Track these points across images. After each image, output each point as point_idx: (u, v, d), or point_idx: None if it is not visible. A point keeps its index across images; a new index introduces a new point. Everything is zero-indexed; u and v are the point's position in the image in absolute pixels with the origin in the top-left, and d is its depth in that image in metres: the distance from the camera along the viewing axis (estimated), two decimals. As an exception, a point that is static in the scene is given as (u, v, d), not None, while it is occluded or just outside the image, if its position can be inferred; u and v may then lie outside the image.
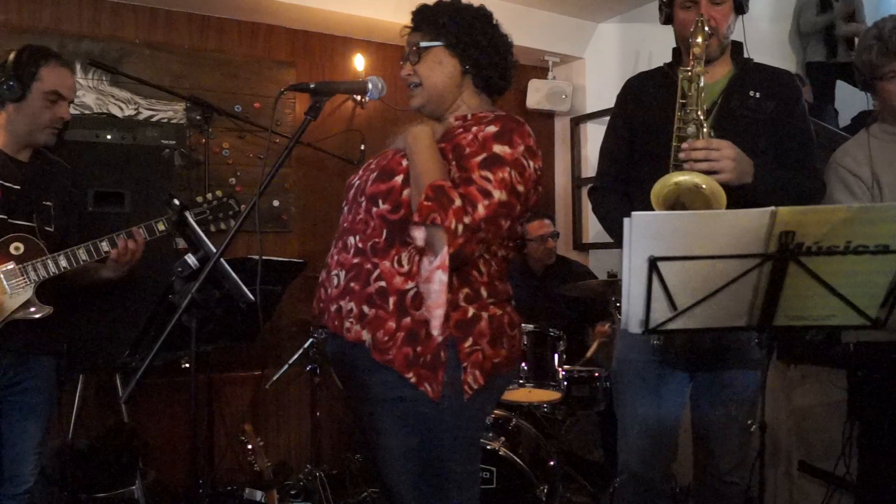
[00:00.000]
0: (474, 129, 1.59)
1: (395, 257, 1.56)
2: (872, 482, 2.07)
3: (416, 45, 1.68)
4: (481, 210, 1.48)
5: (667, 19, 2.07)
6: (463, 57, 1.68)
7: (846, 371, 2.19)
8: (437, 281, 1.48)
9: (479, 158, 1.52)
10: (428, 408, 1.53)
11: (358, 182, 1.71)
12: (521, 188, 1.54)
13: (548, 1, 4.18)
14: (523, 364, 2.99)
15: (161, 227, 2.27)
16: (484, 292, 1.60)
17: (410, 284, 1.54)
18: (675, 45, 2.13)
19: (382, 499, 1.73)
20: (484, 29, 1.70)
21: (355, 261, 1.61)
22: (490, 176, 1.51)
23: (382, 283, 1.55)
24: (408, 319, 1.53)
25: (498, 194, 1.50)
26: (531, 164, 1.57)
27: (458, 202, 1.46)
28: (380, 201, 1.59)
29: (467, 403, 1.55)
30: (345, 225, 1.70)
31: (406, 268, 1.55)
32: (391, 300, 1.54)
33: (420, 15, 1.71)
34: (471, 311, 1.57)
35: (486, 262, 1.62)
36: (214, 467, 3.29)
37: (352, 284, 1.59)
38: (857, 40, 5.45)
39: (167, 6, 3.55)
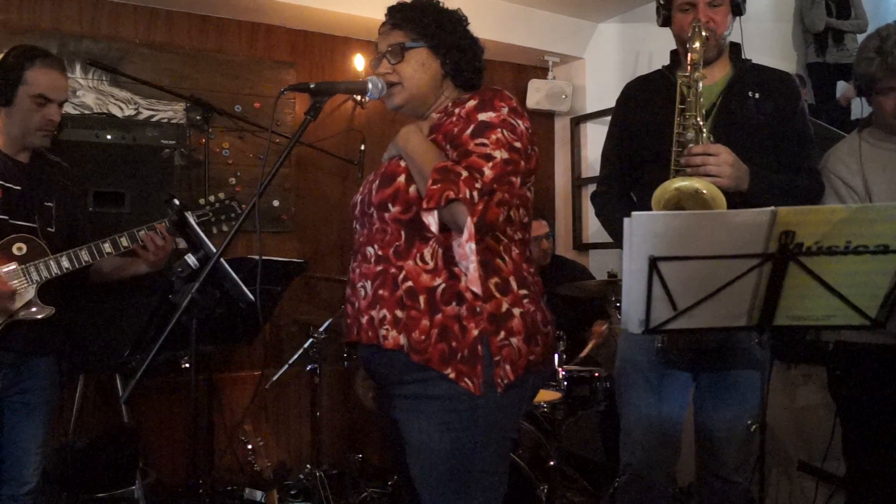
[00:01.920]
0: (457, 110, 1.62)
1: (418, 255, 1.56)
2: (860, 481, 2.07)
3: (400, 45, 1.68)
4: (488, 172, 1.48)
5: (664, 21, 2.07)
6: (445, 60, 1.70)
7: (826, 370, 2.19)
8: (470, 253, 1.48)
9: (469, 130, 1.54)
10: (465, 403, 1.53)
11: (361, 197, 1.72)
12: (518, 144, 1.55)
13: (548, 1, 4.17)
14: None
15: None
16: (514, 283, 1.59)
17: (438, 281, 1.54)
18: (674, 47, 2.13)
19: (408, 497, 1.72)
20: (464, 32, 1.73)
21: (378, 268, 1.60)
22: (485, 141, 1.52)
23: (410, 284, 1.55)
24: (439, 316, 1.53)
25: (499, 154, 1.51)
26: (520, 122, 1.58)
27: (465, 173, 1.47)
28: (389, 205, 1.59)
29: (502, 399, 1.55)
30: (360, 240, 1.69)
31: (430, 264, 1.55)
32: (421, 298, 1.54)
33: (402, 13, 1.72)
34: (504, 306, 1.56)
35: (507, 247, 1.61)
36: (214, 467, 3.29)
37: (380, 292, 1.58)
38: (846, 37, 5.46)
39: (167, 6, 3.55)
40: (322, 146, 3.77)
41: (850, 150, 2.08)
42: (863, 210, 1.47)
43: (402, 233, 1.58)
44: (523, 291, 1.60)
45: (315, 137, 3.74)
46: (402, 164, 1.59)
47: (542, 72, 4.62)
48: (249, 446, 2.71)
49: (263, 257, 2.69)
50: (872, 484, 2.02)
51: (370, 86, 1.72)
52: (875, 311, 1.54)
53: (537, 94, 4.51)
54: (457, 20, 1.73)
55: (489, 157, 1.50)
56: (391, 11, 1.73)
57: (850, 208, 1.48)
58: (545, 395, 3.03)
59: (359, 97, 3.99)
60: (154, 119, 3.48)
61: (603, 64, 4.56)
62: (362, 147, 3.97)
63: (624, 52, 4.50)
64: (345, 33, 4.01)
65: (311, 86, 1.66)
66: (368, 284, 1.61)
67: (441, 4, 1.75)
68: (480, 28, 1.79)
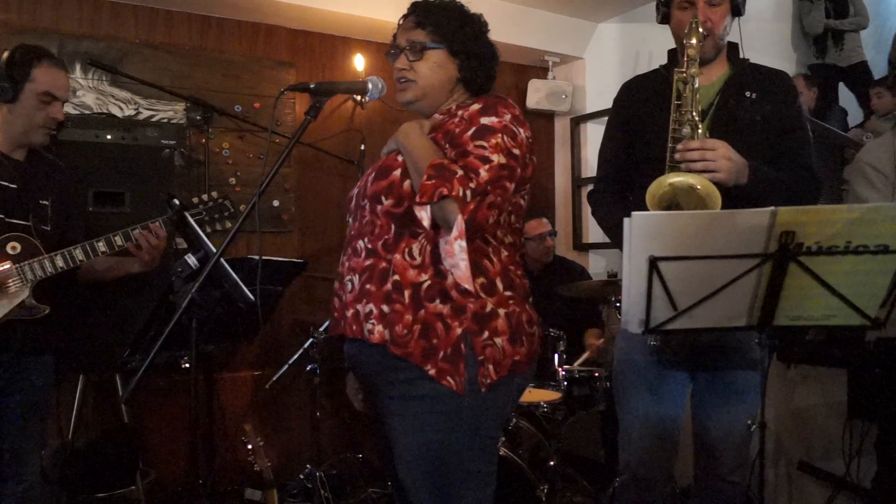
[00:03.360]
0: (460, 112, 1.63)
1: (406, 250, 1.57)
2: (891, 484, 2.06)
3: (422, 44, 1.68)
4: (484, 174, 1.49)
5: (663, 19, 2.08)
6: (462, 65, 1.70)
7: (848, 370, 2.18)
8: (458, 250, 1.48)
9: (470, 132, 1.55)
10: (449, 404, 1.53)
11: (357, 190, 1.73)
12: (516, 151, 1.56)
13: (548, 1, 4.18)
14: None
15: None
16: (500, 284, 1.60)
17: (424, 277, 1.55)
18: (673, 46, 2.14)
19: (397, 497, 1.72)
20: (485, 40, 1.74)
21: (367, 262, 1.61)
22: (484, 143, 1.53)
23: (396, 277, 1.56)
24: (422, 312, 1.54)
25: (496, 158, 1.52)
26: (521, 131, 1.59)
27: (460, 172, 1.48)
28: (382, 198, 1.59)
29: (486, 399, 1.55)
30: (352, 233, 1.70)
31: (418, 260, 1.56)
32: (406, 293, 1.55)
33: (427, 12, 1.71)
34: (489, 306, 1.57)
35: (495, 249, 1.62)
36: (214, 467, 3.30)
37: (367, 286, 1.59)
38: (846, 36, 5.46)
39: (167, 6, 3.55)
40: (322, 146, 3.77)
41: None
42: (863, 210, 1.47)
43: (392, 226, 1.59)
44: (509, 293, 1.61)
45: (315, 137, 3.74)
46: (400, 158, 1.60)
47: (542, 72, 4.62)
48: (249, 446, 2.71)
49: (263, 257, 2.70)
50: None
51: (370, 86, 1.72)
52: (875, 310, 1.54)
53: (537, 94, 4.51)
54: (479, 27, 1.73)
55: (486, 160, 1.51)
56: (417, 7, 1.73)
57: (851, 208, 1.48)
58: (545, 395, 3.03)
59: (359, 97, 3.99)
60: (154, 119, 3.48)
61: (603, 64, 4.56)
62: (362, 147, 3.97)
63: (624, 52, 4.50)
64: (345, 33, 4.01)
65: (311, 86, 1.66)
66: (356, 278, 1.62)
67: (464, 7, 1.74)
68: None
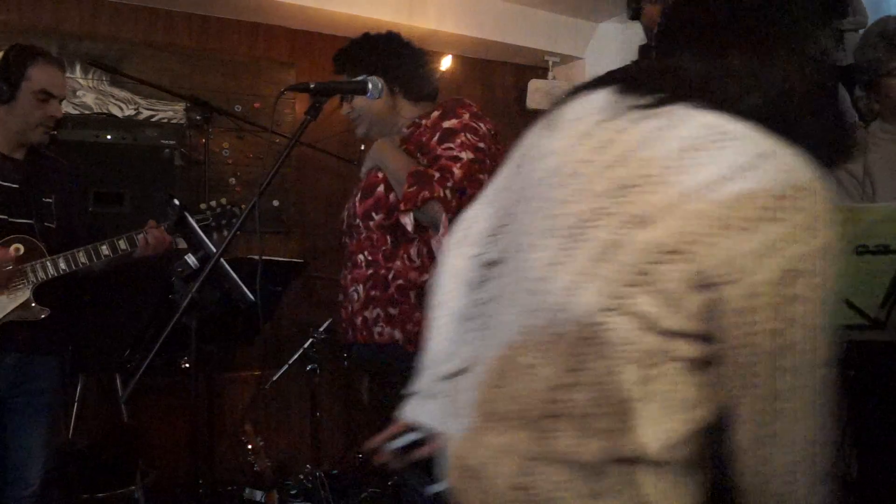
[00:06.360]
0: (424, 121, 1.76)
1: (405, 255, 1.66)
2: (871, 483, 2.07)
3: None
4: (458, 172, 1.61)
5: (634, 15, 2.08)
6: (386, 79, 1.81)
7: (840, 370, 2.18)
8: None
9: (436, 138, 1.68)
10: None
11: (347, 211, 1.85)
12: (482, 145, 1.68)
13: (548, 1, 4.17)
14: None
15: None
16: None
17: (426, 276, 1.62)
18: (644, 44, 2.13)
19: (404, 490, 1.75)
20: (398, 49, 1.87)
21: (369, 272, 1.71)
22: (451, 145, 1.65)
23: (400, 281, 1.66)
24: None
25: (465, 155, 1.64)
26: (481, 125, 1.71)
27: (437, 175, 1.60)
28: (373, 214, 1.70)
29: None
30: (351, 249, 1.80)
31: (418, 262, 1.66)
32: (412, 294, 1.64)
33: (339, 60, 1.90)
34: None
35: None
36: (214, 467, 3.29)
37: (372, 293, 1.68)
38: (846, 36, 5.45)
39: (167, 6, 3.55)
40: (322, 146, 3.77)
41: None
42: (863, 210, 1.47)
43: (388, 237, 1.69)
44: None
45: (315, 137, 3.73)
46: (380, 174, 1.71)
47: (542, 72, 4.61)
48: (249, 446, 2.71)
49: (263, 257, 2.70)
50: (885, 485, 2.01)
51: (370, 86, 1.75)
52: (875, 311, 1.54)
53: (537, 94, 4.50)
54: (388, 41, 1.87)
55: (457, 159, 1.62)
56: (335, 60, 1.92)
57: (850, 208, 1.48)
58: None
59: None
60: (154, 119, 3.48)
61: (603, 64, 4.55)
62: (362, 147, 3.96)
63: (624, 52, 4.49)
64: (345, 33, 3.99)
65: (311, 86, 1.68)
66: (360, 287, 1.71)
67: (369, 34, 1.89)
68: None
